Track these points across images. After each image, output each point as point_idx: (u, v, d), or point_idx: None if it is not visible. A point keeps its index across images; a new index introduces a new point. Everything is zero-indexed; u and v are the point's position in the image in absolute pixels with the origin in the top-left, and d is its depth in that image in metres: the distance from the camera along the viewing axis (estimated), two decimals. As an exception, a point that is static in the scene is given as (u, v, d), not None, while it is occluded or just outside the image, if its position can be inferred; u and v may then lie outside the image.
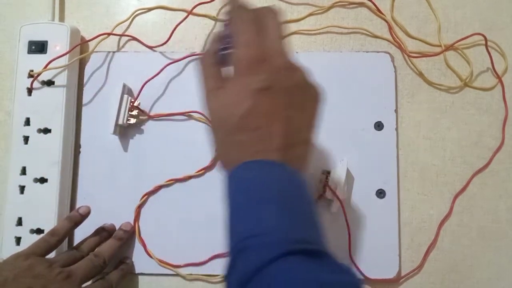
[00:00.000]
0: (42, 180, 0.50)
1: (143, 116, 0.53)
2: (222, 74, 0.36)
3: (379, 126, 0.52)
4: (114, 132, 0.51)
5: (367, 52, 0.53)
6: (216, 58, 0.36)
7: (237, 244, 0.30)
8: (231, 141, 0.32)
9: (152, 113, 0.53)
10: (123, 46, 0.55)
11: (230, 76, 0.34)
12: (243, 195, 0.31)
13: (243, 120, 0.32)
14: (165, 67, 0.53)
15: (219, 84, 0.34)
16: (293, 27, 0.55)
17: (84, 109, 0.54)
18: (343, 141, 0.52)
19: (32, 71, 0.51)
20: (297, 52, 0.53)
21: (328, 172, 0.50)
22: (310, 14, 0.55)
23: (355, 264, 0.49)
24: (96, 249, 0.48)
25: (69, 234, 0.48)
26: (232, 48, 0.35)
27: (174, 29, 0.54)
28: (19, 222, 0.50)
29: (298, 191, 0.32)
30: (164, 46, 0.54)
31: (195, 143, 0.52)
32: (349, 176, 0.51)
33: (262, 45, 0.33)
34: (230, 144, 0.32)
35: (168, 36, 0.54)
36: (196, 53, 0.54)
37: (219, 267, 0.50)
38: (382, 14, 0.54)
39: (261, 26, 0.34)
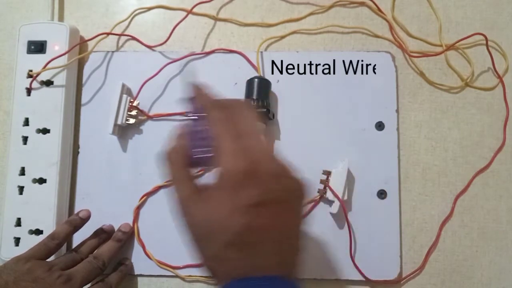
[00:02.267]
0: (41, 181, 0.50)
1: (142, 116, 0.53)
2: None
3: (380, 126, 0.51)
4: (113, 132, 0.51)
5: (368, 51, 0.53)
6: (187, 158, 0.33)
7: None
8: (223, 257, 0.30)
9: (151, 113, 0.53)
10: (122, 46, 0.55)
11: (209, 184, 0.32)
12: None
13: (237, 237, 0.29)
14: (164, 66, 0.53)
15: (195, 191, 0.32)
16: (293, 26, 0.54)
17: (83, 109, 0.53)
18: (344, 141, 0.51)
19: (31, 71, 0.51)
20: (297, 52, 0.53)
21: (329, 172, 0.49)
22: (311, 14, 0.55)
23: (356, 265, 0.49)
24: (95, 251, 0.48)
25: (69, 238, 0.48)
26: (211, 151, 0.32)
27: (174, 28, 0.54)
28: (18, 222, 0.50)
29: None
30: (164, 45, 0.54)
31: (195, 143, 0.52)
32: (350, 177, 0.50)
33: (248, 152, 0.31)
34: (222, 260, 0.30)
35: (167, 36, 0.54)
36: (195, 52, 0.53)
37: (219, 268, 0.50)
38: (383, 13, 0.54)
39: (238, 126, 0.32)
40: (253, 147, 0.31)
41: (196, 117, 0.35)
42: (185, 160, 0.33)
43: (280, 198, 0.31)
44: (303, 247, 0.33)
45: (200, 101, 0.35)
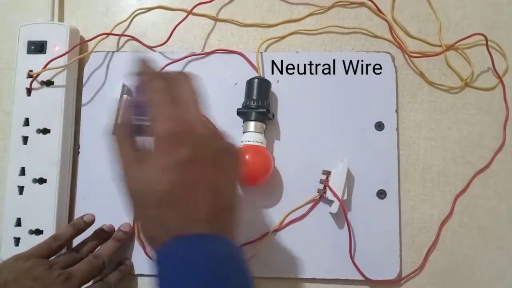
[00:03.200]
0: (41, 181, 0.50)
1: (143, 116, 0.53)
2: (137, 144, 0.35)
3: (379, 126, 0.51)
4: (114, 132, 0.51)
5: (367, 52, 0.53)
6: (130, 129, 0.35)
7: None
8: (155, 217, 0.31)
9: (151, 113, 0.53)
10: (122, 46, 0.55)
11: (147, 148, 0.33)
12: (175, 274, 0.30)
13: (168, 195, 0.31)
14: (164, 67, 0.53)
15: (136, 157, 0.33)
16: (293, 27, 0.54)
17: (83, 109, 0.53)
18: (343, 141, 0.51)
19: (31, 71, 0.51)
20: (297, 52, 0.53)
21: (329, 172, 0.50)
22: (311, 14, 0.55)
23: (355, 265, 0.49)
24: (95, 251, 0.48)
25: (72, 240, 0.48)
26: (148, 119, 0.34)
27: (174, 29, 0.54)
28: (18, 222, 0.50)
29: (230, 261, 0.31)
30: (164, 46, 0.54)
31: (195, 143, 0.52)
32: (350, 176, 0.50)
33: (180, 117, 0.33)
34: (155, 220, 0.31)
35: (167, 36, 0.54)
36: (196, 53, 0.54)
37: (219, 268, 0.50)
38: (383, 14, 0.54)
39: (175, 94, 0.34)
40: (186, 113, 0.33)
41: (140, 91, 0.36)
42: (127, 131, 0.35)
43: (211, 157, 0.32)
44: (237, 208, 0.34)
45: (142, 72, 0.36)
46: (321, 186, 0.50)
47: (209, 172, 0.32)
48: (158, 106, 0.33)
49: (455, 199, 0.51)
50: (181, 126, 0.32)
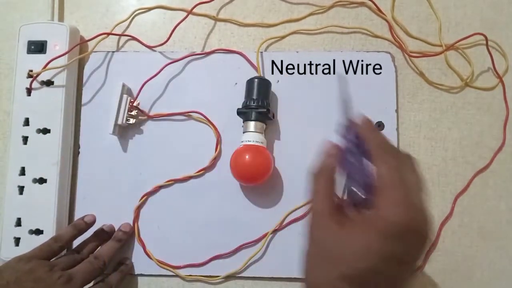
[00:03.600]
0: (41, 181, 0.50)
1: (143, 116, 0.53)
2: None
3: (379, 126, 0.51)
4: (114, 132, 0.51)
5: (367, 51, 0.53)
6: (332, 176, 0.34)
7: None
8: (333, 285, 0.30)
9: (151, 113, 0.53)
10: (122, 46, 0.55)
11: (354, 214, 0.32)
12: None
13: (358, 275, 0.30)
14: (164, 67, 0.53)
15: (333, 211, 0.32)
16: (293, 26, 0.54)
17: (83, 109, 0.53)
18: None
19: (31, 71, 0.51)
20: (297, 52, 0.53)
21: (329, 173, 0.49)
22: (311, 14, 0.55)
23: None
24: (96, 251, 0.48)
25: (73, 241, 0.48)
26: (367, 189, 0.32)
27: (174, 28, 0.54)
28: (18, 222, 0.50)
29: None
30: (164, 45, 0.54)
31: (194, 144, 0.52)
32: (350, 177, 0.50)
33: (412, 211, 0.30)
34: (328, 285, 0.31)
35: (167, 36, 0.54)
36: (196, 52, 0.53)
37: (218, 268, 0.50)
38: (383, 13, 0.54)
39: (404, 176, 0.32)
40: (417, 205, 0.31)
41: (351, 144, 0.35)
42: (330, 177, 0.34)
43: (410, 259, 0.31)
44: None
45: (368, 136, 0.35)
46: (321, 186, 0.50)
47: (405, 273, 0.31)
48: (390, 187, 0.31)
49: (455, 199, 0.51)
50: (409, 221, 0.30)
